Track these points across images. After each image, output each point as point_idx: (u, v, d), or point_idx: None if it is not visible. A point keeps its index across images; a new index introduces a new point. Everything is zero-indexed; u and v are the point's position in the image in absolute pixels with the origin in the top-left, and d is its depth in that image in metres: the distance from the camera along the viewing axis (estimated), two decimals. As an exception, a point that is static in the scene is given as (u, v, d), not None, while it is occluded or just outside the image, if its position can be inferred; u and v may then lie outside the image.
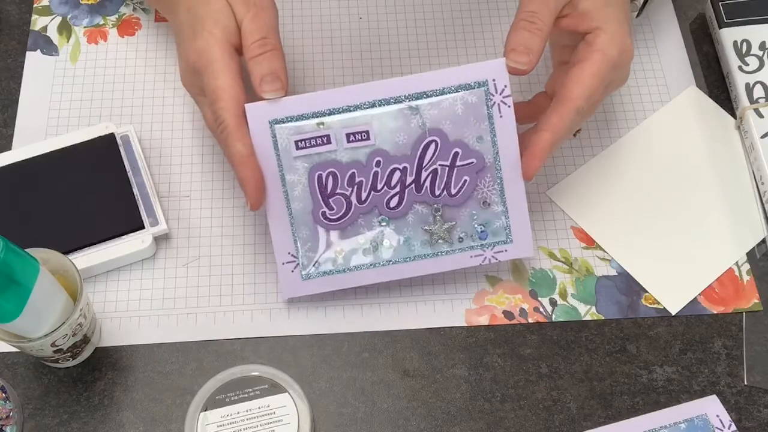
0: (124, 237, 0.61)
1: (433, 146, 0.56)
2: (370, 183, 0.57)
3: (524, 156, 0.56)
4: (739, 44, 0.70)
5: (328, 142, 0.56)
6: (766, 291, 0.63)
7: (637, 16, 0.69)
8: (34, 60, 0.71)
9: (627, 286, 0.62)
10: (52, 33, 0.72)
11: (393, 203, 0.57)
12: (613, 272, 0.63)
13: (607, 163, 0.67)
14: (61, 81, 0.70)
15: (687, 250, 0.64)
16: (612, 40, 0.56)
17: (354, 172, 0.57)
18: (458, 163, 0.57)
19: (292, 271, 0.58)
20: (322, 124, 0.56)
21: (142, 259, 0.62)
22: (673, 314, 0.61)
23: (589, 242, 0.64)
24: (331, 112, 0.56)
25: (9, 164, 0.63)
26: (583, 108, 0.56)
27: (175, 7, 0.58)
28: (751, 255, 0.64)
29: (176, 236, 0.64)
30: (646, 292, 0.62)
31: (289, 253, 0.58)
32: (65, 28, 0.72)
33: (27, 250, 0.50)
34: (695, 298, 0.62)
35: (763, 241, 0.64)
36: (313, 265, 0.58)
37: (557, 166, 0.67)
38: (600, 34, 0.56)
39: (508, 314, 0.61)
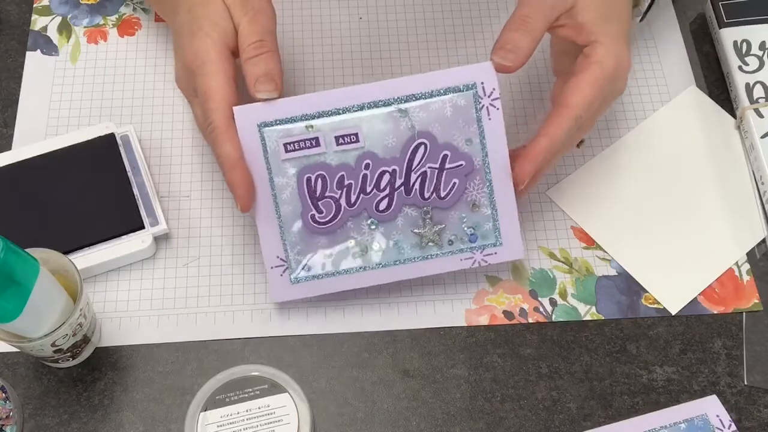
0: (124, 237, 0.61)
1: (422, 149, 0.56)
2: (359, 186, 0.57)
3: (518, 161, 0.57)
4: (739, 44, 0.70)
5: (317, 144, 0.56)
6: (766, 291, 0.63)
7: (640, 20, 0.69)
8: (34, 60, 0.71)
9: (627, 286, 0.62)
10: (52, 33, 0.72)
11: (382, 206, 0.57)
12: (613, 272, 0.63)
13: (607, 163, 0.67)
14: (61, 81, 0.70)
15: (687, 250, 0.64)
16: (608, 52, 0.57)
17: (343, 175, 0.57)
18: (447, 165, 0.57)
19: (281, 275, 0.58)
20: (311, 126, 0.56)
21: (142, 259, 0.62)
22: (673, 314, 0.61)
23: (589, 242, 0.64)
24: (320, 115, 0.55)
25: (9, 164, 0.63)
26: (582, 117, 0.56)
27: (176, 8, 0.58)
28: (751, 255, 0.64)
29: (176, 236, 0.64)
30: (646, 292, 0.62)
31: (278, 257, 0.58)
32: (65, 28, 0.72)
33: (27, 250, 0.50)
34: (695, 298, 0.62)
35: (763, 241, 0.64)
36: (302, 269, 0.58)
37: (557, 166, 0.67)
38: (597, 47, 0.57)
39: (508, 314, 0.61)
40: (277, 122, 0.55)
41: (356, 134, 0.56)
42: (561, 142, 0.56)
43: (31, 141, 0.66)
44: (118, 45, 0.72)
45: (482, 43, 0.72)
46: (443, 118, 0.56)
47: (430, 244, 0.58)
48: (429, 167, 0.57)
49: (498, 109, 0.56)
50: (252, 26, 0.55)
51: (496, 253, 0.59)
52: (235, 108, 0.54)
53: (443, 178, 0.57)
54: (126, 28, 0.73)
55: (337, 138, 0.56)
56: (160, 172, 0.66)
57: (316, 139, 0.56)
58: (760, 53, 0.69)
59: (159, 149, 0.67)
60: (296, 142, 0.56)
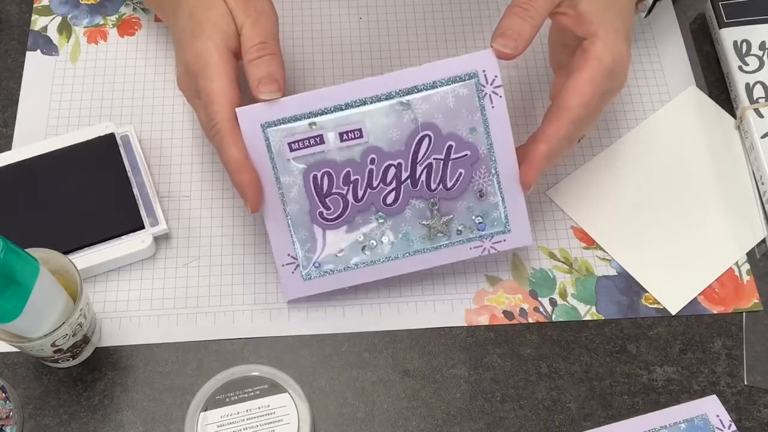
0: (124, 237, 0.61)
1: (426, 141, 0.56)
2: (365, 181, 0.57)
3: (521, 166, 0.57)
4: (739, 44, 0.70)
5: (322, 142, 0.56)
6: (766, 291, 0.63)
7: (646, 16, 0.69)
8: (34, 60, 0.71)
9: (627, 286, 0.62)
10: (52, 33, 0.72)
11: (389, 200, 0.57)
12: (613, 272, 0.63)
13: (607, 163, 0.67)
14: (61, 81, 0.70)
15: (687, 250, 0.64)
16: (606, 46, 0.56)
17: (349, 171, 0.57)
18: (452, 156, 0.57)
19: (293, 273, 0.58)
20: (315, 124, 0.56)
21: (142, 259, 0.62)
22: (673, 314, 0.61)
23: (589, 242, 0.64)
24: (322, 112, 0.55)
25: (9, 164, 0.63)
26: (581, 117, 0.56)
27: (177, 10, 0.58)
28: (751, 255, 0.64)
29: (176, 236, 0.64)
30: (646, 292, 0.62)
31: (288, 255, 0.58)
32: (65, 28, 0.72)
33: (27, 250, 0.50)
34: (695, 298, 0.62)
35: (763, 241, 0.64)
36: (313, 266, 0.58)
37: (557, 165, 0.67)
38: (596, 41, 0.56)
39: (508, 314, 0.61)
40: (281, 122, 0.55)
41: (360, 129, 0.56)
42: (560, 144, 0.56)
43: (31, 141, 0.66)
44: (118, 45, 0.72)
45: (482, 43, 0.72)
46: (446, 109, 0.56)
47: (439, 234, 0.58)
48: (434, 158, 0.57)
49: (501, 96, 0.56)
50: (254, 29, 0.55)
51: (504, 240, 0.59)
52: (237, 109, 0.54)
53: (449, 169, 0.57)
54: (126, 28, 0.73)
55: (341, 134, 0.56)
56: (160, 172, 0.66)
57: (320, 136, 0.56)
58: (760, 53, 0.69)
59: (159, 149, 0.67)
60: (300, 140, 0.56)
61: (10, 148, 0.66)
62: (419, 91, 0.56)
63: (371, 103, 0.56)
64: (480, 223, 0.58)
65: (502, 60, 0.55)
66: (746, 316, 0.62)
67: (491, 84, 0.56)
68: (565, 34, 0.60)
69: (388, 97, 0.56)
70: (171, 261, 0.63)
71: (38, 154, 0.64)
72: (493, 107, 0.56)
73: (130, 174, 0.63)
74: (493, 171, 0.57)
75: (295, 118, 0.55)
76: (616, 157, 0.68)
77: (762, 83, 0.68)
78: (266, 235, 0.62)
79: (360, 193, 0.57)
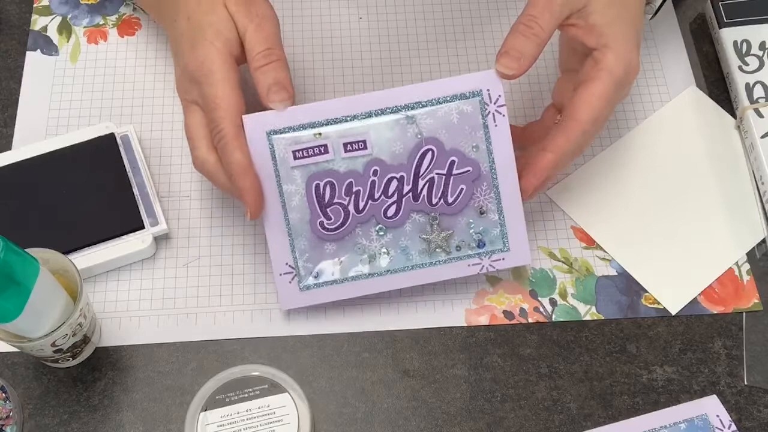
0: (124, 237, 0.61)
1: (429, 155, 0.56)
2: (367, 192, 0.57)
3: (525, 174, 0.57)
4: (739, 44, 0.70)
5: (326, 151, 0.56)
6: (766, 291, 0.63)
7: (651, 18, 0.69)
8: (34, 60, 0.71)
9: (627, 286, 0.62)
10: (52, 33, 0.72)
11: (390, 212, 0.57)
12: (613, 272, 0.63)
13: (607, 163, 0.67)
14: (61, 81, 0.70)
15: (687, 250, 0.64)
16: (618, 58, 0.56)
17: (351, 182, 0.57)
18: (455, 171, 0.57)
19: (290, 282, 0.58)
20: (320, 134, 0.56)
21: (142, 259, 0.62)
22: (673, 314, 0.62)
23: (589, 242, 0.64)
24: (328, 122, 0.56)
25: (9, 164, 0.63)
26: (590, 130, 0.56)
27: (175, 15, 0.58)
28: (751, 255, 0.64)
29: (176, 236, 0.64)
30: (646, 292, 0.62)
31: (287, 264, 0.58)
32: (65, 28, 0.72)
33: (27, 250, 0.50)
34: (695, 298, 0.62)
35: (763, 241, 0.64)
36: (312, 276, 0.58)
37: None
38: (607, 52, 0.56)
39: (508, 314, 0.61)
40: (286, 130, 0.55)
41: (364, 141, 0.56)
42: (567, 155, 0.56)
43: (31, 141, 0.66)
44: (118, 45, 0.72)
45: (482, 44, 0.72)
46: (450, 125, 0.56)
47: (437, 249, 0.58)
48: (436, 173, 0.57)
49: (504, 115, 0.56)
50: (258, 34, 0.55)
51: (503, 258, 0.59)
52: (244, 117, 0.55)
53: (450, 184, 0.57)
54: (126, 28, 0.73)
55: (345, 145, 0.56)
56: (160, 172, 0.66)
57: (325, 146, 0.56)
58: (760, 53, 0.69)
59: (159, 149, 0.67)
60: (305, 149, 0.56)
61: (10, 148, 0.66)
62: (424, 106, 0.56)
63: (377, 115, 0.56)
64: (479, 240, 0.58)
65: (506, 80, 0.55)
66: (746, 316, 0.62)
67: (495, 103, 0.56)
68: (574, 40, 0.60)
69: (393, 110, 0.56)
70: (171, 261, 0.63)
71: (38, 154, 0.64)
72: (496, 126, 0.56)
73: (130, 174, 0.63)
74: (494, 189, 0.57)
75: (301, 127, 0.56)
76: (616, 157, 0.68)
77: (762, 83, 0.68)
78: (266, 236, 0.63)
79: (361, 205, 0.57)
